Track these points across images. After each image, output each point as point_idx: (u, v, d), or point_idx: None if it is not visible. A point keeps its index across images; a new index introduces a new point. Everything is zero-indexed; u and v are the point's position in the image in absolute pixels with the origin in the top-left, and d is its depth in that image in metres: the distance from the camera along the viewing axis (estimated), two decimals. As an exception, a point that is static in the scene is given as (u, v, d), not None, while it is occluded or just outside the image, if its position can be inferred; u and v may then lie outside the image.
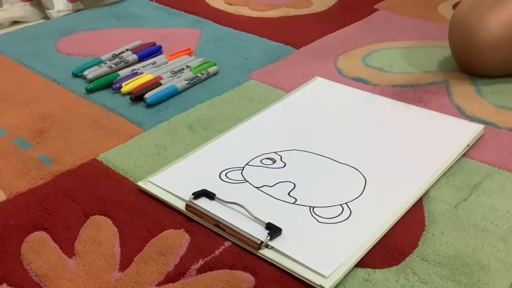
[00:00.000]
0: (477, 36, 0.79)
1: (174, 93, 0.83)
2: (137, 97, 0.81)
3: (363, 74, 0.87)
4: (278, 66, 0.91)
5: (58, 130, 0.75)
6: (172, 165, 0.65)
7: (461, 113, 0.75)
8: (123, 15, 1.17)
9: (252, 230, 0.54)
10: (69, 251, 0.54)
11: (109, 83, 0.86)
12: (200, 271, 0.51)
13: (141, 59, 0.95)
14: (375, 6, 1.18)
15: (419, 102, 0.79)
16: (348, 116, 0.74)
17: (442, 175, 0.62)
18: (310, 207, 0.57)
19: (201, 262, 0.52)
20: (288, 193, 0.60)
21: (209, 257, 0.53)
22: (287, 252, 0.51)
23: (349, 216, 0.56)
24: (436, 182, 0.62)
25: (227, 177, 0.62)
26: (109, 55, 0.94)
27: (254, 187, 0.61)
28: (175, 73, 0.87)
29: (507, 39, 0.78)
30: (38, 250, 0.54)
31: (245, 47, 1.00)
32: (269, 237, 0.52)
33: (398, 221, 0.56)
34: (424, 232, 0.55)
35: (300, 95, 0.80)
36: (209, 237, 0.55)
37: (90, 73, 0.88)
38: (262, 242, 0.52)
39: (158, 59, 0.93)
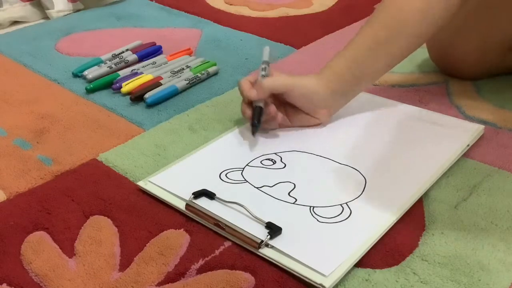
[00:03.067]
0: (453, 58, 0.82)
1: (174, 93, 0.83)
2: (137, 97, 0.81)
3: (363, 74, 0.87)
4: (278, 66, 0.91)
5: (58, 130, 0.75)
6: (172, 165, 0.65)
7: (461, 113, 0.75)
8: (123, 15, 1.17)
9: (252, 229, 0.54)
10: (69, 251, 0.54)
11: (109, 83, 0.86)
12: (200, 271, 0.51)
13: (141, 59, 0.95)
14: (375, 6, 1.18)
15: (419, 102, 0.79)
16: (348, 116, 0.74)
17: (442, 175, 0.62)
18: (310, 207, 0.57)
19: (201, 262, 0.52)
20: (288, 193, 0.60)
21: (209, 257, 0.53)
22: (287, 251, 0.51)
23: (349, 216, 0.56)
24: (436, 182, 0.61)
25: (227, 177, 0.62)
26: (109, 55, 0.94)
27: (254, 187, 0.61)
28: (175, 73, 0.87)
29: (482, 59, 0.80)
30: (38, 250, 0.54)
31: (245, 47, 1.00)
32: (269, 236, 0.52)
33: (398, 221, 0.56)
34: (424, 232, 0.55)
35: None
36: (209, 237, 0.55)
37: (90, 73, 0.88)
38: (262, 241, 0.52)
39: (158, 59, 0.93)
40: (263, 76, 0.69)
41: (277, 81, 0.67)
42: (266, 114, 0.67)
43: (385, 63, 0.69)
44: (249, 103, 0.68)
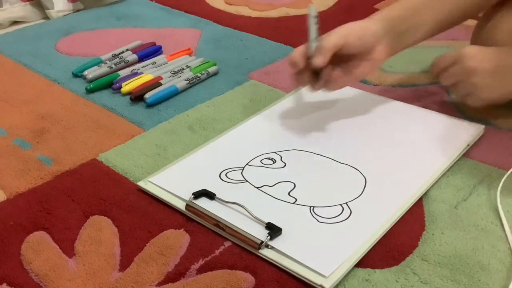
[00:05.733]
0: None
1: (174, 93, 0.83)
2: (137, 97, 0.81)
3: (363, 74, 0.87)
4: (278, 66, 0.91)
5: (58, 130, 0.75)
6: (172, 165, 0.65)
7: (461, 113, 0.75)
8: (123, 15, 1.17)
9: (252, 230, 0.54)
10: (69, 251, 0.54)
11: (109, 83, 0.86)
12: (200, 271, 0.51)
13: (141, 59, 0.95)
14: (375, 6, 1.18)
15: (419, 102, 0.79)
16: (348, 116, 0.74)
17: (442, 175, 0.62)
18: (310, 207, 0.57)
19: (201, 262, 0.52)
20: (288, 193, 0.60)
21: (209, 257, 0.53)
22: (287, 252, 0.51)
23: (349, 216, 0.56)
24: (436, 182, 0.62)
25: (227, 177, 0.62)
26: (109, 55, 0.94)
27: (254, 187, 0.61)
28: (175, 73, 0.87)
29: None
30: (38, 250, 0.54)
31: (245, 47, 1.00)
32: (269, 237, 0.52)
33: (398, 221, 0.56)
34: (424, 232, 0.55)
35: (300, 95, 0.80)
36: (209, 237, 0.55)
37: (90, 73, 0.88)
38: (262, 242, 0.52)
39: (158, 59, 0.93)
40: (315, 38, 0.66)
41: (334, 37, 0.65)
42: (326, 75, 0.66)
43: (436, 18, 0.70)
44: (302, 70, 0.66)
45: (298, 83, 0.68)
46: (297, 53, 0.66)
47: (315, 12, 0.69)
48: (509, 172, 0.62)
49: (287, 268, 0.50)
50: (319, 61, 0.64)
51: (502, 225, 0.56)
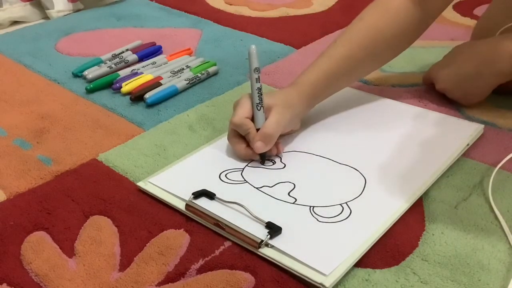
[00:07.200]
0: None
1: (174, 93, 0.83)
2: (137, 97, 0.81)
3: (363, 74, 0.87)
4: (278, 66, 0.91)
5: (58, 130, 0.75)
6: (172, 166, 0.65)
7: (461, 113, 0.75)
8: (123, 15, 1.17)
9: (252, 229, 0.54)
10: (69, 251, 0.54)
11: (109, 83, 0.86)
12: (200, 271, 0.51)
13: (141, 59, 0.95)
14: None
15: (419, 102, 0.79)
16: (348, 116, 0.74)
17: (442, 175, 0.62)
18: (310, 206, 0.57)
19: (201, 262, 0.52)
20: (288, 193, 0.60)
21: (209, 257, 0.53)
22: (287, 250, 0.51)
23: (349, 216, 0.56)
24: (436, 182, 0.62)
25: (227, 178, 0.62)
26: (109, 55, 0.94)
27: (254, 187, 0.61)
28: (175, 73, 0.88)
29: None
30: (38, 250, 0.54)
31: (245, 47, 1.00)
32: (269, 236, 0.52)
33: (398, 221, 0.56)
34: (424, 232, 0.55)
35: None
36: (209, 237, 0.55)
37: (90, 73, 0.88)
38: (262, 240, 0.52)
39: (158, 59, 0.93)
40: (259, 105, 0.64)
41: (278, 124, 0.63)
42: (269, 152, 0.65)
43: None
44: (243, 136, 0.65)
45: (240, 154, 0.65)
46: (240, 118, 0.63)
47: (256, 60, 0.65)
48: (495, 170, 0.62)
49: (287, 267, 0.50)
50: (264, 149, 0.63)
51: (501, 225, 0.56)
